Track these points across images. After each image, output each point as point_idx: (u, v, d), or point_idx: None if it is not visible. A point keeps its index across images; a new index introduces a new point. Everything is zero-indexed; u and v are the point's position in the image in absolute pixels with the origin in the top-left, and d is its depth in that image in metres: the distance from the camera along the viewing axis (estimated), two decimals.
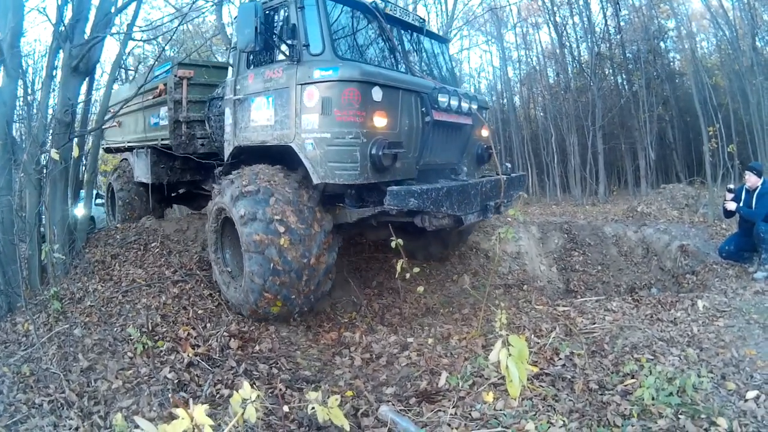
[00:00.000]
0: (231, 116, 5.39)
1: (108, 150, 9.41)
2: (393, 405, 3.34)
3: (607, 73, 21.78)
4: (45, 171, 5.23)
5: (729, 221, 7.74)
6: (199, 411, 1.25)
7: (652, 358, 3.63)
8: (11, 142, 4.95)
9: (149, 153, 7.17)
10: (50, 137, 5.36)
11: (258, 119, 4.99)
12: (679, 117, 20.80)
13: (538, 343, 4.11)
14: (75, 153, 5.28)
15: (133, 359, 3.80)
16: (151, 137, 7.11)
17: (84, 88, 5.98)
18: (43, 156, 5.19)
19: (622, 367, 3.52)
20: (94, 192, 9.34)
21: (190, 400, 3.32)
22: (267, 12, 4.91)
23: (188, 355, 3.88)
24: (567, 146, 19.65)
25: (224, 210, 4.92)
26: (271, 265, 4.33)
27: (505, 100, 26.52)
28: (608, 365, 3.64)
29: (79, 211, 6.22)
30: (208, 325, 4.63)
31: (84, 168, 6.69)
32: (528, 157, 23.23)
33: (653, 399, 2.99)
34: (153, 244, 6.27)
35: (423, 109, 4.82)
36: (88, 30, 5.55)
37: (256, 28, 4.38)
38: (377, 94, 4.38)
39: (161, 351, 3.94)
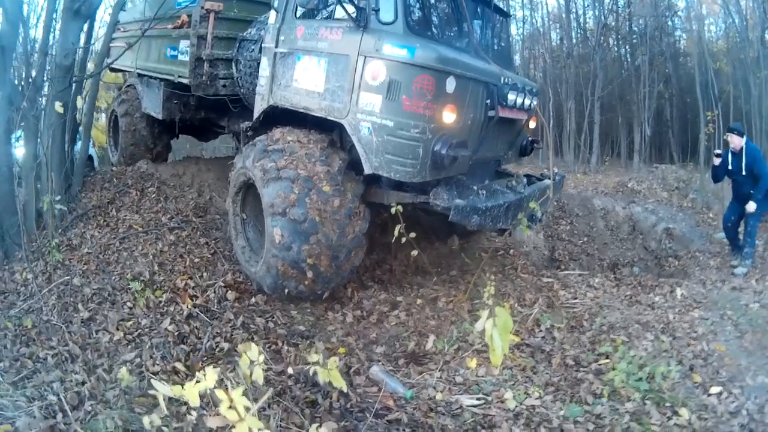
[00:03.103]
0: (268, 68, 4.75)
1: (113, 69, 8.41)
2: (383, 365, 3.54)
3: (611, 44, 21.46)
4: (43, 116, 5.13)
5: (720, 204, 7.77)
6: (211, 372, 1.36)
7: (627, 340, 3.79)
8: (11, 88, 4.87)
9: (162, 86, 6.57)
10: (49, 82, 5.28)
11: (303, 81, 4.41)
12: (679, 97, 20.61)
13: (521, 312, 4.30)
14: (79, 104, 5.20)
15: (132, 309, 3.88)
16: (167, 70, 6.37)
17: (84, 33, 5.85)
18: (42, 100, 5.13)
19: (599, 346, 3.71)
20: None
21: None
22: None
23: (187, 307, 3.97)
24: (564, 112, 19.55)
25: (251, 180, 4.47)
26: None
27: None
28: (585, 342, 3.84)
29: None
30: (205, 274, 4.71)
31: (82, 113, 6.44)
32: None
33: (623, 382, 3.17)
34: (149, 189, 6.26)
35: (488, 101, 4.32)
36: None
37: None
38: (451, 85, 3.90)
39: (161, 302, 4.02)
